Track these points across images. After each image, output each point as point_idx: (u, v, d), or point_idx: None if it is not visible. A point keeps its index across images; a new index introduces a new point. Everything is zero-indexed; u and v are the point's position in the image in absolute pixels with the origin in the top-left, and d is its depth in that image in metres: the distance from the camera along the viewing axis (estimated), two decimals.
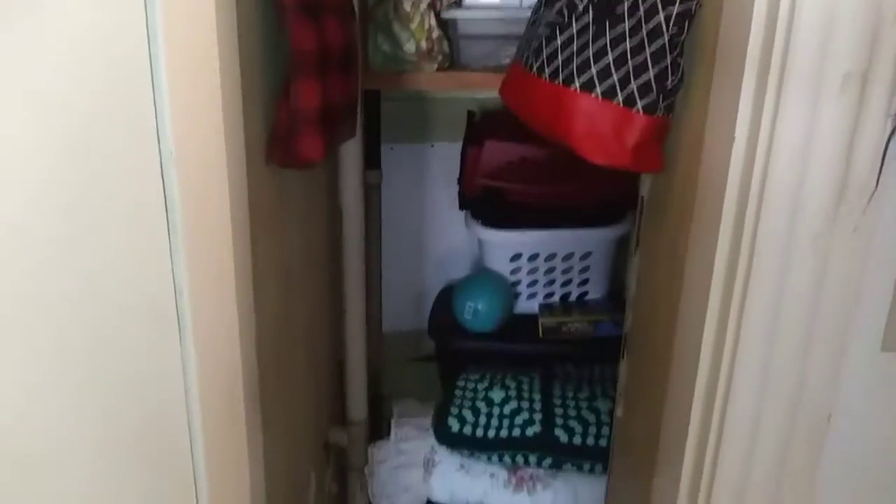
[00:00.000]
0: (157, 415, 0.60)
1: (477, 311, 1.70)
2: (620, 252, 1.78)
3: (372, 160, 1.70)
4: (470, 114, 1.78)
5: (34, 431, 0.44)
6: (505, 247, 1.74)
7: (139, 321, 0.57)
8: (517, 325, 1.75)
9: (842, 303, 0.69)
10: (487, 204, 1.72)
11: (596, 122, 0.91)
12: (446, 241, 2.01)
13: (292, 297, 1.23)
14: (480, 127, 1.74)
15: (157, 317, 0.60)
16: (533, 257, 1.74)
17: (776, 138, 0.64)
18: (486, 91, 1.59)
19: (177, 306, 0.63)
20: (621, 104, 0.89)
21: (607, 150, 0.91)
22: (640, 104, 0.88)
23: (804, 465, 0.76)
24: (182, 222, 0.62)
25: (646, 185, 1.13)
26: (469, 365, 1.69)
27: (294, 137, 0.97)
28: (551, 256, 1.74)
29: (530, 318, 1.75)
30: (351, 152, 1.45)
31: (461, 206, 1.79)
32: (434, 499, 1.51)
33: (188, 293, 0.63)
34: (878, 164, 0.65)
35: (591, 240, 1.73)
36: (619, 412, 1.28)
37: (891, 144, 0.64)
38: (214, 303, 0.68)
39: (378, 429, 1.71)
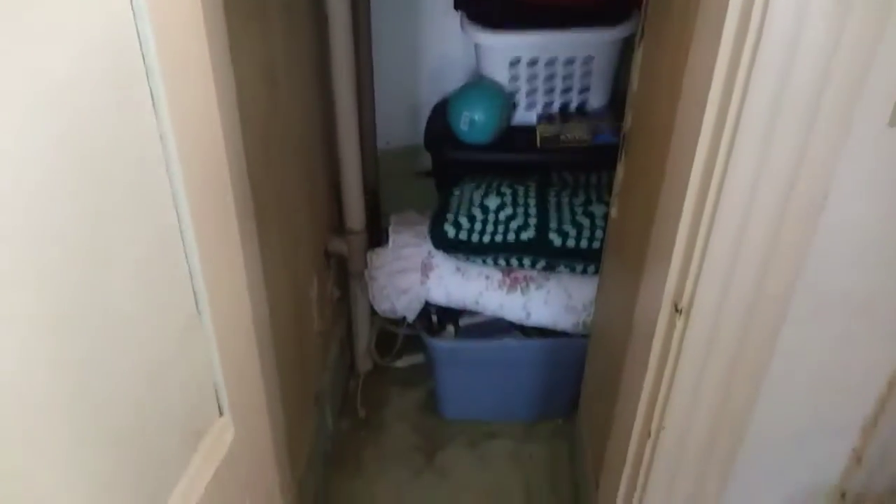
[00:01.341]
0: (139, 187, 0.58)
1: (474, 121, 1.66)
2: (623, 58, 1.70)
3: None
4: None
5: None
6: (503, 51, 1.65)
7: (110, 94, 0.54)
8: (515, 137, 1.72)
9: (853, 72, 0.65)
10: (484, 2, 1.60)
11: None
12: (441, 50, 1.90)
13: (279, 97, 1.18)
14: None
15: (128, 90, 0.56)
16: (532, 62, 1.65)
17: None
18: None
19: (148, 83, 0.59)
20: None
21: None
22: None
23: (796, 246, 0.77)
24: None
25: None
26: (465, 176, 1.68)
27: None
28: (552, 61, 1.66)
29: (528, 130, 1.71)
30: None
31: (456, 6, 1.67)
32: (431, 300, 1.57)
33: (159, 71, 0.59)
34: None
35: (593, 43, 1.64)
36: (613, 213, 1.28)
37: None
38: (188, 79, 0.64)
39: (377, 241, 1.73)
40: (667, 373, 0.88)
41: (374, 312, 1.72)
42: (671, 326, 0.86)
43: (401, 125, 2.00)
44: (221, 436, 0.80)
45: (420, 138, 1.86)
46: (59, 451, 0.50)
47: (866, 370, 0.87)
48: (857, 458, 0.93)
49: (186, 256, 0.65)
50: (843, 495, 0.97)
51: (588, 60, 1.66)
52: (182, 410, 0.70)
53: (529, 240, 1.48)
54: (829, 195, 0.73)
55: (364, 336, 1.81)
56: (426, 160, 1.90)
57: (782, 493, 0.99)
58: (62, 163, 0.48)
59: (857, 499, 0.96)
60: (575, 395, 1.64)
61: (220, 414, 0.80)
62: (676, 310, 0.85)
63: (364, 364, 1.86)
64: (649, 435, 0.94)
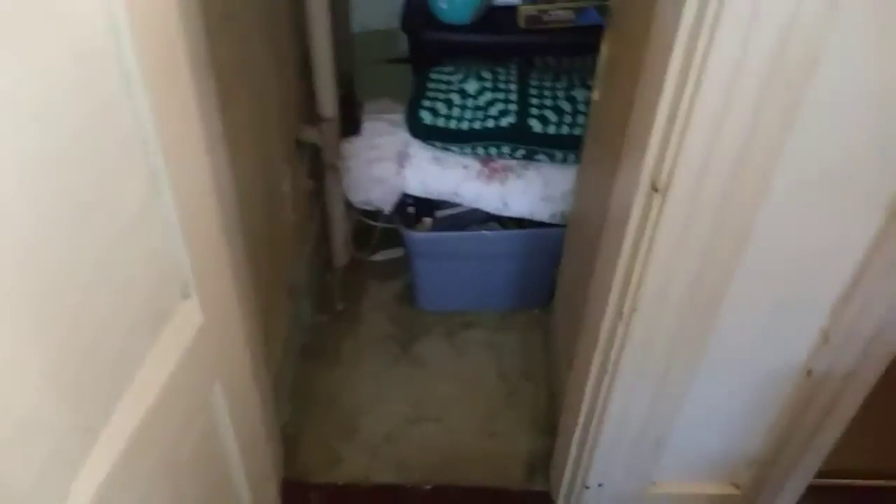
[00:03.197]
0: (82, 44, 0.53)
1: None
2: None
3: None
4: None
5: None
6: None
7: None
8: (496, 16, 1.62)
9: None
10: None
11: None
12: None
13: None
14: None
15: None
16: None
17: None
18: None
19: None
20: None
21: None
22: None
23: (779, 119, 0.74)
24: None
25: None
26: (444, 59, 1.60)
27: None
28: None
29: (510, 9, 1.61)
30: None
31: None
32: (408, 191, 1.53)
33: None
34: None
35: None
36: (595, 95, 1.23)
37: None
38: None
39: (352, 131, 1.67)
40: (641, 254, 0.86)
41: (350, 205, 1.68)
42: (648, 207, 0.84)
43: (377, 7, 1.88)
44: (188, 319, 0.78)
45: (396, 21, 1.76)
46: (11, 324, 0.48)
47: (840, 250, 0.87)
48: (825, 336, 0.94)
49: (138, 122, 0.61)
50: (808, 373, 0.99)
51: None
52: (142, 288, 0.68)
53: (510, 125, 1.43)
54: (818, 62, 0.69)
55: (340, 229, 1.78)
56: (403, 45, 1.81)
57: (750, 373, 1.01)
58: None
59: (823, 376, 0.98)
60: (551, 286, 1.64)
61: (186, 297, 0.78)
62: (654, 189, 0.82)
63: (341, 258, 1.84)
64: (621, 317, 0.94)
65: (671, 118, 0.77)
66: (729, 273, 0.87)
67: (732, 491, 1.18)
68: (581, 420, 1.13)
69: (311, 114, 1.58)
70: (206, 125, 0.79)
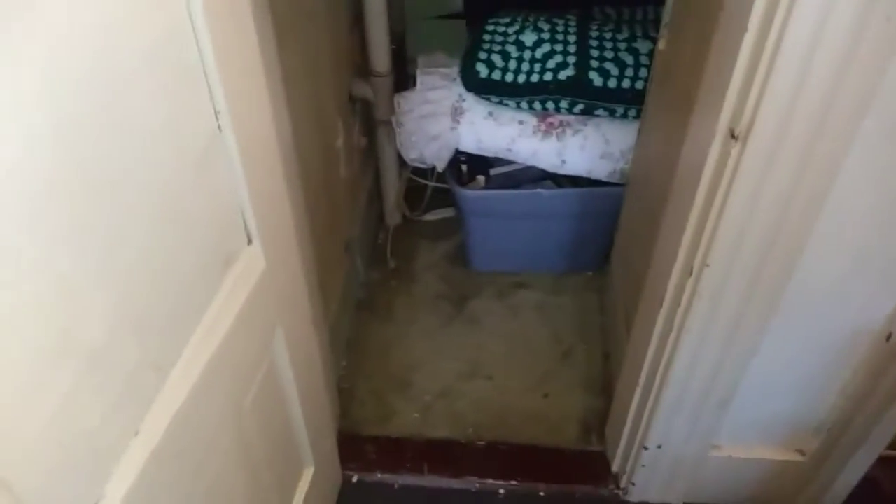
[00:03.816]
0: None
1: None
2: None
3: None
4: None
5: None
6: None
7: None
8: None
9: None
10: None
11: None
12: None
13: None
14: None
15: None
16: None
17: None
18: None
19: None
20: None
21: None
22: None
23: (876, 54, 0.68)
24: None
25: None
26: (499, 10, 1.55)
27: None
28: None
29: None
30: None
31: None
32: (462, 147, 1.50)
33: None
34: None
35: None
36: (661, 45, 1.18)
37: None
38: None
39: (404, 87, 1.64)
40: (716, 204, 0.82)
41: (402, 164, 1.66)
42: (725, 155, 0.80)
43: None
44: (251, 264, 0.78)
45: None
46: (79, 256, 0.48)
47: None
48: None
49: (201, 54, 0.60)
50: (888, 337, 0.94)
51: None
52: (208, 232, 0.68)
53: (568, 79, 1.38)
54: None
55: (392, 187, 1.77)
56: (453, 1, 1.76)
57: (824, 334, 0.96)
58: None
59: None
60: (606, 248, 1.60)
61: (249, 242, 0.78)
62: (732, 136, 0.78)
63: (393, 217, 1.83)
64: (690, 273, 0.90)
65: (754, 57, 0.72)
66: (808, 226, 0.82)
67: (797, 458, 1.15)
68: (642, 380, 1.10)
69: (363, 69, 1.56)
70: (266, 65, 0.78)
